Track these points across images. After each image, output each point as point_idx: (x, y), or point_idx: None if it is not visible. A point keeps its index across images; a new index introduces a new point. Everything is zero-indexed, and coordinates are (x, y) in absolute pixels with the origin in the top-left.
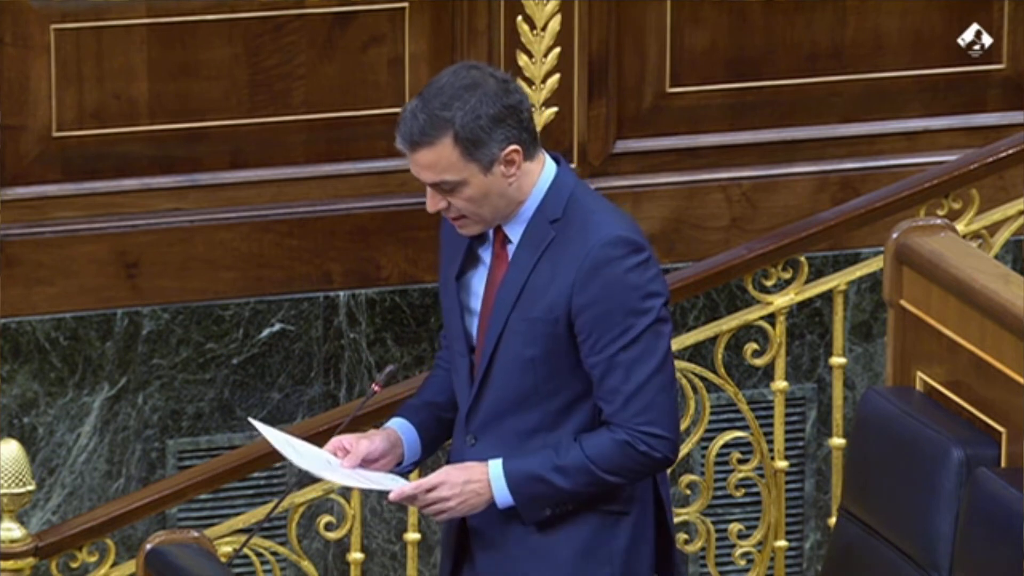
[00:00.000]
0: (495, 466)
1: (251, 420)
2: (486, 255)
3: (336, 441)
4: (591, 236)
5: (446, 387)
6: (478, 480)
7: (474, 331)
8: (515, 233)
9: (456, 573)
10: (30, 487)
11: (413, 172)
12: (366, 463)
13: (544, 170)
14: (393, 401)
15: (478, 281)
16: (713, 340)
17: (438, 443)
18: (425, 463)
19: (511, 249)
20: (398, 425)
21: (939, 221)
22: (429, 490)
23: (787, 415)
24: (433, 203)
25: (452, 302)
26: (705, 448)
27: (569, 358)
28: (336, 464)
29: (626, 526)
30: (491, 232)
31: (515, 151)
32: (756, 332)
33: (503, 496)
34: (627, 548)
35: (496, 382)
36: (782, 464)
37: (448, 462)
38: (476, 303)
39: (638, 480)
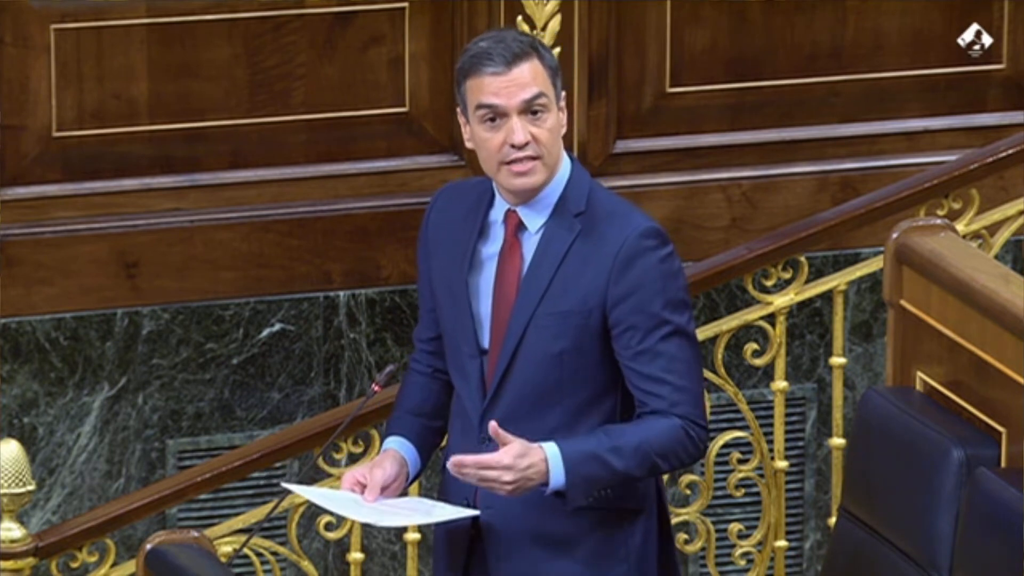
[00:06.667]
0: (550, 448)
1: (284, 484)
2: (489, 255)
3: (350, 477)
4: (625, 227)
5: (430, 394)
6: (536, 467)
7: (484, 333)
8: (533, 221)
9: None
10: (30, 487)
11: (502, 101)
12: (382, 490)
13: (563, 159)
14: (393, 401)
15: (484, 283)
16: (713, 340)
17: (432, 451)
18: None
19: (526, 238)
20: (398, 444)
21: (939, 221)
22: (493, 467)
23: (787, 415)
24: (524, 133)
25: (460, 304)
26: (705, 448)
27: (596, 353)
28: (360, 501)
29: (641, 523)
30: (500, 225)
31: (564, 101)
32: (756, 332)
33: (558, 478)
34: (641, 545)
35: (517, 380)
36: (782, 464)
37: (444, 467)
38: (483, 305)
39: (678, 468)
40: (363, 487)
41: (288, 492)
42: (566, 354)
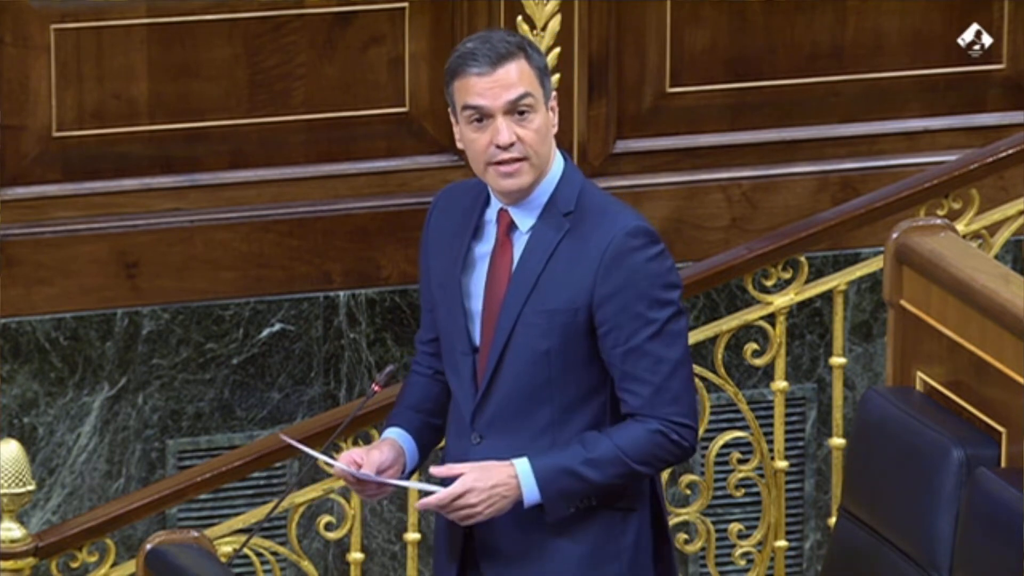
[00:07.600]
0: (521, 464)
1: (282, 436)
2: (482, 254)
3: (347, 456)
4: (613, 226)
5: (430, 393)
6: (504, 483)
7: (476, 331)
8: (523, 221)
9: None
10: (30, 487)
11: (487, 102)
12: (378, 473)
13: (555, 159)
14: (393, 401)
15: (477, 281)
16: (713, 340)
17: (431, 449)
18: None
19: (517, 237)
20: (397, 435)
21: (939, 221)
22: (455, 499)
23: (787, 415)
24: (509, 134)
25: (454, 302)
26: (705, 448)
27: (583, 351)
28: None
29: (634, 522)
30: (494, 224)
31: (555, 101)
32: (756, 332)
33: (532, 494)
34: (634, 543)
35: (506, 378)
36: (782, 464)
37: (443, 463)
38: (475, 303)
39: (663, 470)
40: (359, 467)
41: (287, 492)
42: (553, 352)
